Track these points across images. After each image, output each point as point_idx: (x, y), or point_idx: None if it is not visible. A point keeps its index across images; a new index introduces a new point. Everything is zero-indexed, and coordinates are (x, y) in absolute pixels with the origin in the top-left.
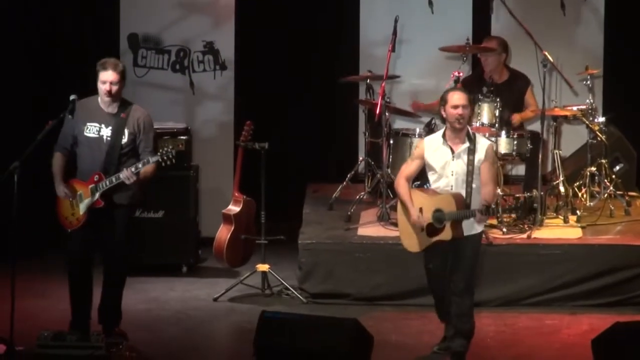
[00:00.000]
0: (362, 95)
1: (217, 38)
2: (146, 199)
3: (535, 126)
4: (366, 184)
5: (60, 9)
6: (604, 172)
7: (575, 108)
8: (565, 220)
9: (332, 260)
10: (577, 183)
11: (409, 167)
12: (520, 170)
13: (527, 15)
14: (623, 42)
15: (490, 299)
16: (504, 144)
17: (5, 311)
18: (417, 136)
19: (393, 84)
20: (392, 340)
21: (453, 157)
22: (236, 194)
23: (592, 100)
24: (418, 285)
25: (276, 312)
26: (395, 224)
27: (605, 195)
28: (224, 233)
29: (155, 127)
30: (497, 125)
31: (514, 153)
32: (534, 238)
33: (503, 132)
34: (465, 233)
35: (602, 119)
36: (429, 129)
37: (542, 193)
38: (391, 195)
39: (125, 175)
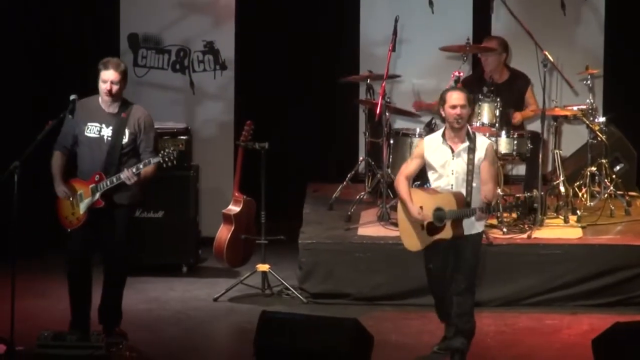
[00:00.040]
0: (363, 95)
1: (217, 38)
2: (146, 199)
3: (536, 126)
4: (366, 184)
5: (60, 9)
6: (604, 172)
7: (575, 108)
8: (566, 220)
9: (332, 260)
10: (578, 183)
11: (409, 166)
12: (520, 170)
13: (527, 15)
14: (623, 42)
15: (491, 299)
16: (504, 144)
17: (5, 311)
18: (417, 136)
19: (393, 83)
20: (392, 340)
21: (453, 156)
22: (236, 194)
23: (592, 100)
24: (418, 285)
25: (276, 312)
26: (396, 224)
27: (606, 195)
28: (224, 233)
29: (155, 127)
30: (497, 125)
31: (514, 153)
32: (534, 238)
33: (503, 132)
34: (466, 232)
35: (602, 119)
36: (429, 129)
37: (542, 193)
38: (391, 195)
39: (126, 175)
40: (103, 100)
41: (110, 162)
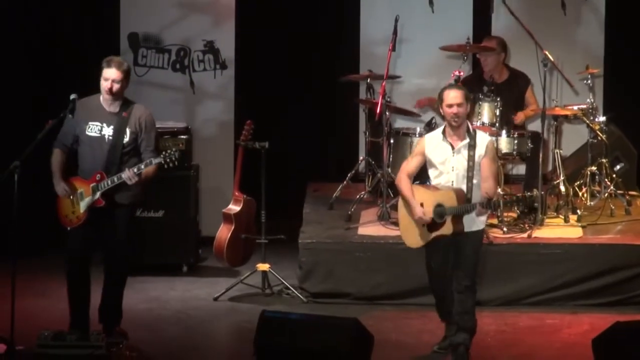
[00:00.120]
0: (363, 94)
1: (218, 37)
2: (146, 198)
3: (536, 125)
4: (366, 184)
5: (60, 9)
6: (604, 171)
7: (575, 107)
8: (566, 220)
9: (333, 260)
10: (578, 182)
11: (410, 164)
12: (520, 169)
13: (527, 14)
14: (623, 42)
15: (491, 298)
16: (504, 144)
17: (5, 311)
18: (417, 135)
19: (393, 83)
20: (392, 339)
21: (453, 152)
22: (236, 194)
23: (592, 100)
24: (418, 285)
25: (276, 312)
26: (396, 224)
27: (606, 194)
28: (224, 232)
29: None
30: (497, 124)
31: (514, 152)
32: (535, 237)
33: (503, 132)
34: (466, 229)
35: (602, 119)
36: (430, 129)
37: (542, 192)
38: (391, 195)
39: (127, 175)
40: (104, 98)
41: (111, 161)
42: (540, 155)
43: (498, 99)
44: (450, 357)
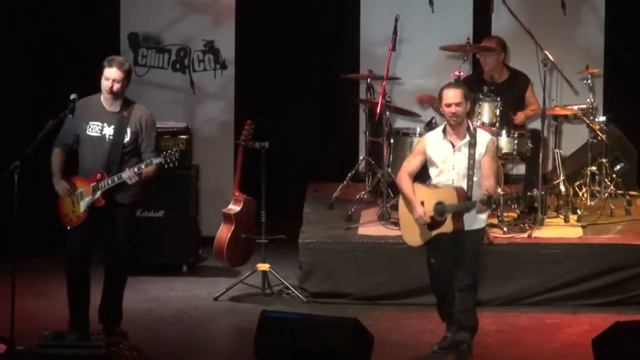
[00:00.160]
0: (363, 94)
1: (218, 37)
2: (147, 198)
3: (536, 125)
4: (367, 184)
5: (60, 9)
6: (604, 171)
7: (575, 107)
8: (566, 220)
9: (333, 260)
10: (578, 182)
11: (411, 163)
12: (520, 169)
13: (527, 14)
14: (623, 42)
15: (491, 298)
16: (504, 143)
17: (5, 310)
18: (417, 135)
19: (393, 83)
20: (392, 339)
21: (454, 151)
22: (236, 193)
23: (592, 100)
24: (418, 285)
25: (276, 312)
26: (396, 223)
27: (606, 194)
28: (224, 232)
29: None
30: (497, 124)
31: (514, 152)
32: (535, 237)
33: (504, 132)
34: (467, 227)
35: (602, 118)
36: (430, 129)
37: (542, 192)
38: (391, 195)
39: (128, 175)
40: (105, 98)
41: (112, 161)
42: (541, 155)
43: (498, 99)
44: (453, 356)
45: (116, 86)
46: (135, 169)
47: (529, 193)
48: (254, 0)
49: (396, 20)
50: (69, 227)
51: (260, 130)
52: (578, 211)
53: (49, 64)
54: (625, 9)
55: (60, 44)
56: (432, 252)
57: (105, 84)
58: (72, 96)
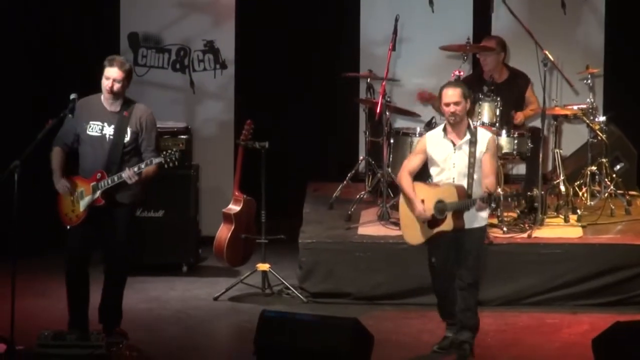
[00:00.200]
0: (363, 94)
1: (218, 37)
2: (147, 198)
3: (536, 124)
4: (366, 183)
5: (60, 9)
6: (604, 171)
7: (575, 107)
8: (566, 220)
9: (333, 260)
10: (578, 182)
11: (411, 162)
12: (520, 169)
13: (527, 14)
14: (623, 41)
15: (491, 298)
16: (504, 143)
17: (5, 310)
18: (417, 135)
19: (393, 83)
20: (392, 339)
21: (454, 149)
22: (236, 193)
23: (592, 100)
24: (418, 285)
25: (276, 312)
26: (396, 223)
27: (606, 194)
28: (224, 232)
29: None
30: (497, 124)
31: (514, 152)
32: (535, 237)
33: (504, 131)
34: (467, 226)
35: (602, 118)
36: (430, 128)
37: (542, 192)
38: (391, 195)
39: (128, 175)
40: (105, 98)
41: (112, 160)
42: (540, 155)
43: (498, 99)
44: (453, 356)
45: (116, 86)
46: (135, 169)
47: (529, 193)
48: None
49: (396, 20)
50: (68, 227)
51: (260, 129)
52: (578, 211)
53: (49, 64)
54: (625, 8)
55: (60, 44)
56: (433, 251)
57: (105, 83)
58: (72, 96)
